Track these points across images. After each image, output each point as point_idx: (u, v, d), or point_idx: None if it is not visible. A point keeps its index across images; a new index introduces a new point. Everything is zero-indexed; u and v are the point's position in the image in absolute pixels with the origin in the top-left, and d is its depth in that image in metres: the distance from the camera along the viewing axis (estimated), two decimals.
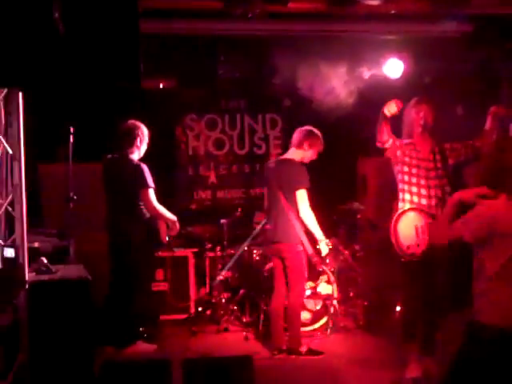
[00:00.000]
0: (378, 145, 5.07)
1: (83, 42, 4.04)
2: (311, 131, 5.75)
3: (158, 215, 5.57)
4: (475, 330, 3.46)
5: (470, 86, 6.97)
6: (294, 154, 5.74)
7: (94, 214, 6.55)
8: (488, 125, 4.99)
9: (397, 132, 5.14)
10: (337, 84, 6.38)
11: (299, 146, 5.71)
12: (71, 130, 5.25)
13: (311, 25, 6.48)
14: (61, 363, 4.04)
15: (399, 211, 4.94)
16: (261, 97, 7.94)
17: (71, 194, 5.10)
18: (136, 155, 5.64)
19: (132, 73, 4.07)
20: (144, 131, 5.67)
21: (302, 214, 5.54)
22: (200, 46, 6.96)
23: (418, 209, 4.89)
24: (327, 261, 5.95)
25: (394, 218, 4.91)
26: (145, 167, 5.54)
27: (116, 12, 3.94)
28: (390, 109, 4.92)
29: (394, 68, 6.52)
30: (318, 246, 5.63)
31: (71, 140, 5.26)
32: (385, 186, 5.37)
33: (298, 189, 5.57)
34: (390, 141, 5.02)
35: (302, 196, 5.56)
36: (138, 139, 5.62)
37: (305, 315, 6.14)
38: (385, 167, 5.38)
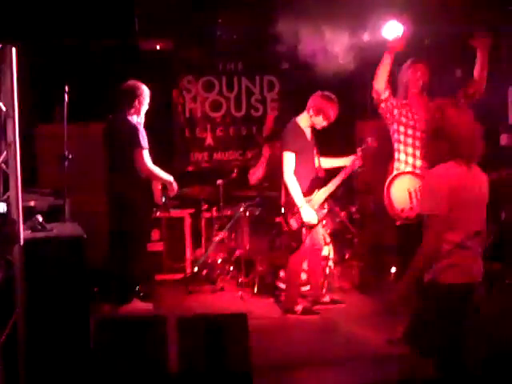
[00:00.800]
0: (373, 95, 5.01)
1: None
2: (321, 96, 5.72)
3: (151, 176, 5.57)
4: (434, 289, 3.52)
5: (471, 49, 6.91)
6: (300, 117, 5.74)
7: (90, 175, 6.57)
8: (477, 68, 4.96)
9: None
10: (335, 47, 6.33)
11: (307, 110, 5.69)
12: (66, 89, 5.20)
13: None
14: (56, 320, 4.05)
15: (392, 175, 4.94)
16: (258, 59, 7.87)
17: (66, 153, 5.07)
18: (135, 116, 5.60)
19: (127, 30, 4.03)
20: (144, 92, 5.62)
21: (284, 178, 5.56)
22: (197, 7, 6.87)
23: (410, 172, 4.89)
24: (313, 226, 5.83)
25: (387, 181, 4.92)
26: (140, 128, 5.52)
27: None
28: (391, 31, 4.98)
29: (393, 30, 6.47)
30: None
31: (66, 99, 5.22)
32: (382, 150, 5.35)
33: (283, 151, 5.58)
34: (387, 93, 4.97)
35: (285, 159, 5.58)
36: (137, 100, 5.57)
37: (301, 275, 6.18)
38: (383, 131, 5.36)
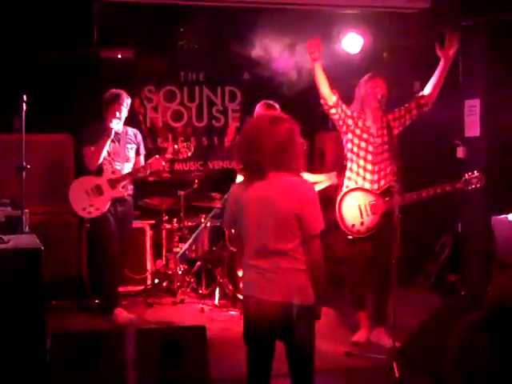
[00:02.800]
0: (322, 102, 5.06)
1: (35, 6, 3.95)
2: (262, 104, 5.77)
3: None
4: None
5: (427, 62, 7.03)
6: None
7: (49, 185, 6.51)
8: (435, 78, 5.06)
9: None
10: (296, 58, 6.38)
11: None
12: (24, 98, 5.13)
13: None
14: (11, 334, 3.99)
15: (342, 192, 5.03)
16: (220, 69, 7.87)
17: (24, 163, 5.00)
18: (115, 123, 5.86)
19: (85, 40, 4.01)
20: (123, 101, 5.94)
21: None
22: (159, 17, 6.87)
23: (360, 188, 4.98)
24: None
25: (338, 198, 5.02)
26: (90, 128, 5.97)
27: None
28: (310, 46, 4.98)
29: (352, 43, 6.56)
30: None
31: (24, 109, 5.16)
32: (342, 161, 5.41)
33: None
34: (334, 98, 5.01)
35: None
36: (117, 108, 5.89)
37: None
38: (342, 142, 5.41)
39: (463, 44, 6.64)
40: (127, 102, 5.98)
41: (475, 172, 4.94)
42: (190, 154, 6.12)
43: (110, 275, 5.91)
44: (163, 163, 6.05)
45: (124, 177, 5.92)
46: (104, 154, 5.86)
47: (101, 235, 5.94)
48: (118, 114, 5.89)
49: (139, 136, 6.27)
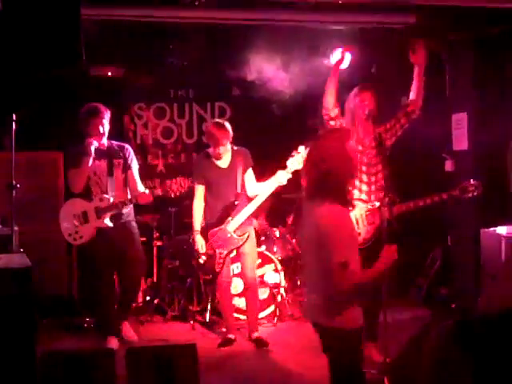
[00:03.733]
0: (323, 113, 5.11)
1: (22, 26, 3.96)
2: (210, 124, 5.93)
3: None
4: None
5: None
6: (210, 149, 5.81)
7: (39, 203, 6.51)
8: (414, 84, 5.13)
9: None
10: (285, 74, 6.43)
11: None
12: (14, 117, 5.15)
13: (259, 14, 6.48)
14: (1, 350, 3.98)
15: None
16: (209, 86, 7.92)
17: (14, 182, 5.01)
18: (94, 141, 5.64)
19: (73, 59, 4.03)
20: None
21: None
22: (149, 34, 6.90)
23: (357, 199, 5.00)
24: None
25: None
26: (72, 148, 5.76)
27: None
28: (335, 56, 5.03)
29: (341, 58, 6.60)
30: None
31: (14, 127, 5.17)
32: None
33: None
34: (336, 110, 5.07)
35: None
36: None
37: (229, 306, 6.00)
38: None
39: (450, 58, 6.75)
40: (107, 114, 5.71)
41: (471, 180, 4.98)
42: (183, 191, 5.86)
43: (101, 302, 5.72)
44: (151, 199, 5.79)
45: (111, 207, 5.56)
46: (88, 174, 5.62)
47: (90, 263, 5.78)
48: (101, 129, 5.63)
49: (128, 150, 5.89)
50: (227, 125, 5.64)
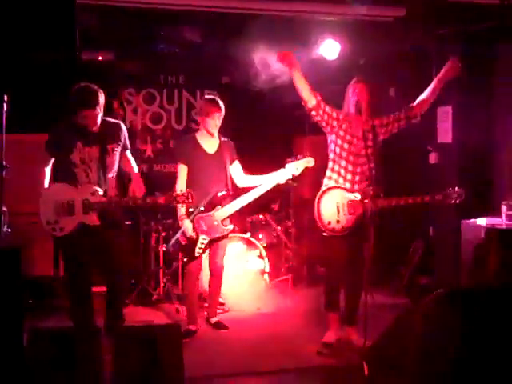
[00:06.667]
0: (303, 104, 5.16)
1: (18, 10, 4.01)
2: (203, 100, 5.86)
3: None
4: None
5: (403, 69, 7.19)
6: (198, 133, 5.75)
7: (27, 185, 6.54)
8: (431, 92, 5.19)
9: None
10: (274, 63, 6.48)
11: (200, 121, 5.75)
12: (5, 98, 5.18)
13: (250, 3, 6.55)
14: None
15: (322, 189, 5.14)
16: (200, 73, 7.97)
17: (4, 163, 5.04)
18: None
19: (67, 44, 4.07)
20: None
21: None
22: (140, 20, 6.94)
23: (340, 187, 5.09)
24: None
25: (318, 194, 5.11)
26: (53, 131, 5.12)
27: None
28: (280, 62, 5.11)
29: (330, 49, 6.69)
30: None
31: (5, 109, 5.21)
32: (319, 164, 5.51)
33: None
34: (313, 101, 5.10)
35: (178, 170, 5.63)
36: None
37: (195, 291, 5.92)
38: (320, 146, 5.52)
39: (438, 51, 6.83)
40: (101, 99, 4.95)
41: (456, 188, 5.08)
42: (188, 201, 5.05)
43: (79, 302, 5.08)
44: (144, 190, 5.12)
45: (102, 204, 4.89)
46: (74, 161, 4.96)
47: (69, 258, 5.11)
48: (94, 120, 4.94)
49: (122, 128, 5.17)
50: (220, 102, 5.61)
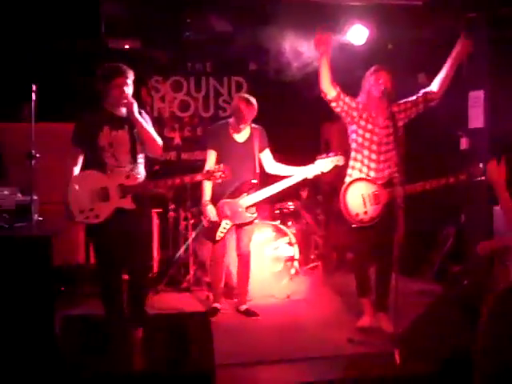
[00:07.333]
0: (322, 95, 5.13)
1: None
2: (237, 98, 5.79)
3: None
4: None
5: (432, 54, 7.08)
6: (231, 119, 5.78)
7: (58, 174, 6.59)
8: (445, 74, 5.11)
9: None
10: (301, 49, 6.44)
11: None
12: (34, 88, 5.22)
13: None
14: (21, 319, 4.10)
15: (347, 182, 5.12)
16: (227, 60, 7.95)
17: (33, 152, 5.09)
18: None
19: (93, 30, 4.08)
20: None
21: None
22: (166, 7, 6.93)
23: (364, 178, 5.06)
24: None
25: (343, 188, 5.10)
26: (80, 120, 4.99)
27: None
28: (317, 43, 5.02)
29: (358, 34, 6.63)
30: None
31: (34, 98, 5.24)
32: (347, 151, 5.48)
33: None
34: (333, 92, 5.07)
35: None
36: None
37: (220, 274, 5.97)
38: (347, 132, 5.48)
39: (466, 35, 6.70)
40: (131, 75, 4.85)
41: (480, 164, 5.00)
42: (224, 176, 5.07)
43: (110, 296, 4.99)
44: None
45: (139, 186, 4.83)
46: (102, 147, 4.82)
47: (101, 247, 4.98)
48: (126, 90, 4.76)
49: (144, 116, 5.01)
50: (255, 102, 5.60)
